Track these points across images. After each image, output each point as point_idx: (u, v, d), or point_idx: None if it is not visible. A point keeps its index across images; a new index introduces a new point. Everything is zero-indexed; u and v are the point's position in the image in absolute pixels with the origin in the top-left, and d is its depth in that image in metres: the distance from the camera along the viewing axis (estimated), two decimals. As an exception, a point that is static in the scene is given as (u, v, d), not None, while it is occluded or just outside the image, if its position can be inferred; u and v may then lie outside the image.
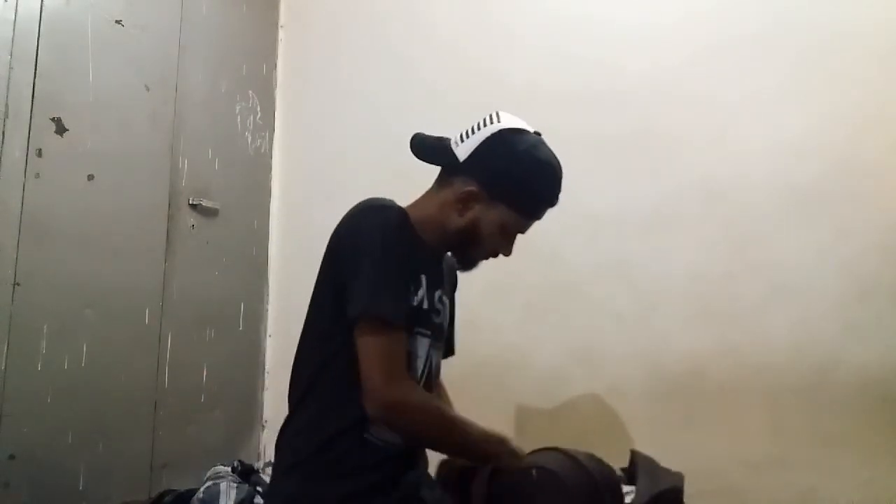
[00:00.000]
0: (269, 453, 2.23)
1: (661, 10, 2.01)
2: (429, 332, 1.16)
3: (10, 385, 1.60)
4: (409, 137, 1.26)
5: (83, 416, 1.76)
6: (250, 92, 2.46)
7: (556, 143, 2.09)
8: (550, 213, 2.06)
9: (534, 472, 1.06)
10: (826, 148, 1.77)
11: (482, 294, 2.13)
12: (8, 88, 1.65)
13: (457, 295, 1.46)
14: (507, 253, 1.22)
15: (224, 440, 2.14)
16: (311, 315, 1.16)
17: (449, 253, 1.30)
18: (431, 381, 1.21)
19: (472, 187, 1.14)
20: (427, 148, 1.20)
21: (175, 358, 2.04)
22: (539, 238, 2.13)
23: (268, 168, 2.53)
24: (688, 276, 1.87)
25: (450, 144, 1.16)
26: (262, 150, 2.51)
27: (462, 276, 2.17)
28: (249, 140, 2.45)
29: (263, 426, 2.39)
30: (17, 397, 1.61)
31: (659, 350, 1.88)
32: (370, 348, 1.02)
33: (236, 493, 1.41)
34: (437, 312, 1.21)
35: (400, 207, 1.14)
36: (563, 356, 2.00)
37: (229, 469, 1.70)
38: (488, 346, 2.05)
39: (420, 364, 1.14)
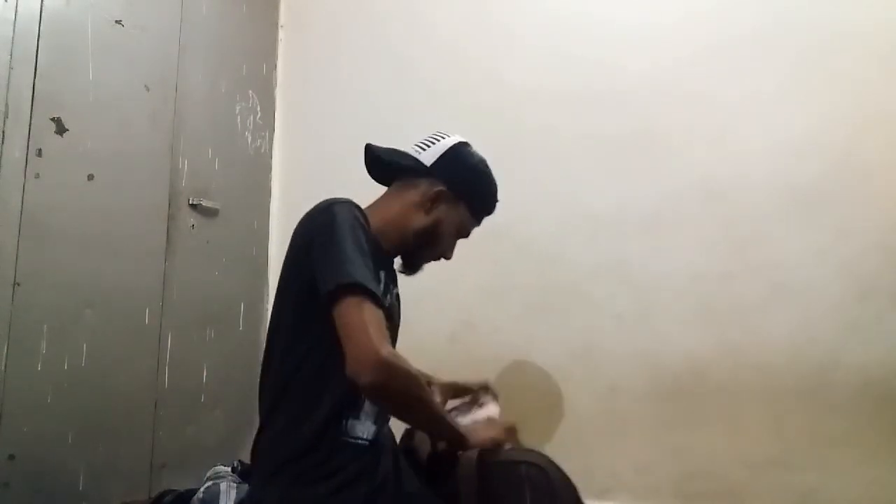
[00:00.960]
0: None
1: (661, 11, 2.01)
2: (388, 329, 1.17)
3: (10, 385, 1.60)
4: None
5: (83, 416, 1.75)
6: (250, 92, 2.46)
7: (556, 144, 2.10)
8: (551, 213, 2.07)
9: (522, 467, 1.08)
10: (826, 148, 1.77)
11: (482, 294, 2.13)
12: (8, 88, 1.64)
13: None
14: (450, 256, 1.35)
15: (224, 440, 2.14)
16: (278, 321, 1.19)
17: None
18: None
19: (441, 187, 1.27)
20: (395, 154, 1.31)
21: (175, 358, 2.04)
22: (539, 238, 2.14)
23: (268, 168, 2.53)
24: (688, 276, 1.87)
25: (410, 153, 1.30)
26: (262, 150, 2.51)
27: (460, 278, 2.18)
28: (249, 140, 2.45)
29: (263, 426, 2.39)
30: (17, 397, 1.61)
31: (659, 350, 1.88)
32: (354, 315, 1.01)
33: (236, 493, 1.40)
34: (391, 312, 1.24)
35: (354, 203, 1.20)
36: (562, 356, 2.00)
37: (229, 469, 1.69)
38: (488, 347, 2.06)
39: None
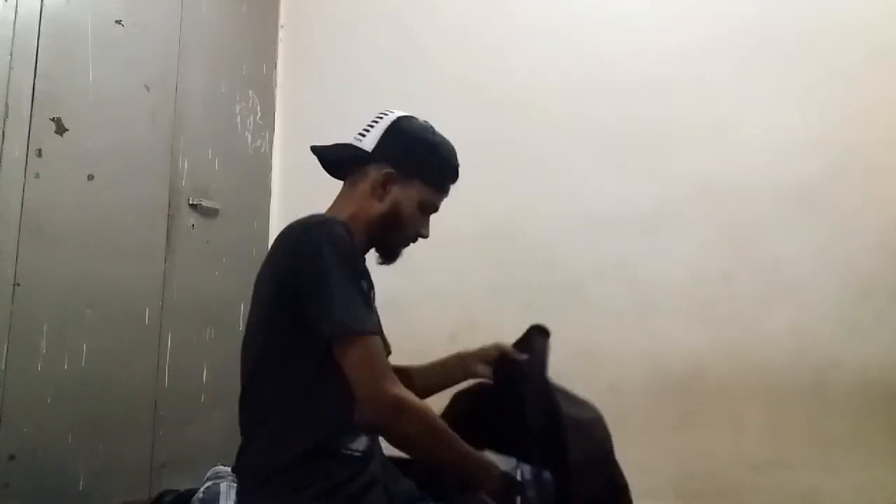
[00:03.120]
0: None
1: (662, 11, 2.01)
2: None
3: (10, 385, 1.60)
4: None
5: (83, 417, 1.75)
6: (250, 92, 2.46)
7: (556, 144, 2.10)
8: (551, 213, 2.07)
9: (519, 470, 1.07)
10: (826, 148, 1.77)
11: (482, 294, 2.13)
12: (8, 88, 1.64)
13: None
14: (426, 233, 1.28)
15: (224, 440, 2.13)
16: (256, 335, 1.17)
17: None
18: None
19: (388, 169, 1.22)
20: (336, 150, 1.27)
21: (175, 358, 2.04)
22: (539, 238, 2.14)
23: (268, 168, 2.53)
24: (688, 276, 1.88)
25: (353, 143, 1.25)
26: (262, 150, 2.51)
27: (461, 277, 2.18)
28: (249, 140, 2.45)
29: (263, 426, 2.38)
30: (17, 397, 1.61)
31: (658, 350, 1.88)
32: (357, 360, 1.02)
33: (236, 494, 1.40)
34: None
35: (337, 218, 1.16)
36: (562, 356, 1.99)
37: (229, 469, 1.69)
38: (488, 346, 2.05)
39: None
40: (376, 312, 1.21)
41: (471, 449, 1.08)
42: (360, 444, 1.12)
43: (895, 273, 1.68)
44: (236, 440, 1.17)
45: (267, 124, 2.53)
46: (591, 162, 2.04)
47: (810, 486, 1.67)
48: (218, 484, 1.43)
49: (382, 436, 1.08)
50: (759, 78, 1.86)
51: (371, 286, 1.20)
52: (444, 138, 1.29)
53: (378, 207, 1.22)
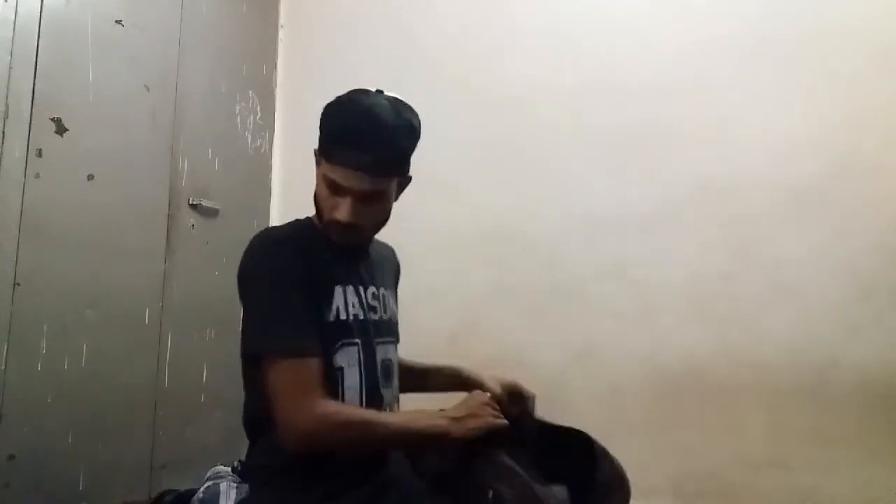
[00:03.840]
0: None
1: (662, 11, 2.01)
2: (357, 341, 1.12)
3: (10, 385, 1.60)
4: None
5: (83, 417, 1.75)
6: (250, 92, 2.46)
7: (556, 144, 2.10)
8: (551, 213, 2.07)
9: (490, 493, 1.04)
10: (826, 148, 1.77)
11: (483, 295, 2.14)
12: (8, 88, 1.64)
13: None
14: (340, 217, 1.08)
15: (224, 440, 2.13)
16: (244, 345, 1.14)
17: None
18: (388, 378, 1.18)
19: (315, 151, 1.12)
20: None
21: (175, 358, 2.04)
22: (539, 238, 2.14)
23: (268, 168, 2.53)
24: (687, 276, 1.88)
25: None
26: (262, 150, 2.51)
27: (462, 278, 2.17)
28: (249, 140, 2.45)
29: (263, 426, 2.38)
30: (17, 397, 1.61)
31: (658, 350, 1.88)
32: (272, 384, 1.01)
33: (236, 493, 1.40)
34: (373, 310, 1.18)
35: (290, 227, 1.14)
36: (563, 356, 2.00)
37: (229, 469, 1.69)
38: (489, 347, 2.06)
39: (354, 374, 1.11)
40: (377, 306, 1.18)
41: (403, 415, 1.09)
42: None
43: (895, 273, 1.68)
44: (236, 440, 1.17)
45: (267, 124, 2.53)
46: (591, 162, 2.04)
47: (810, 486, 1.67)
48: (218, 484, 1.43)
49: (305, 457, 1.04)
50: (759, 78, 1.86)
51: (361, 281, 1.16)
52: (350, 98, 1.09)
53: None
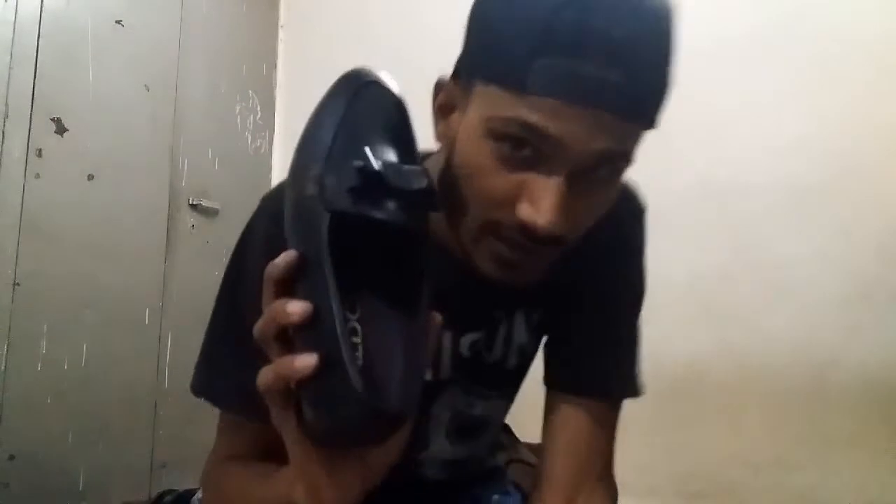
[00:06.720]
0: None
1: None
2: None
3: (10, 385, 1.60)
4: None
5: (83, 416, 1.76)
6: (250, 92, 2.46)
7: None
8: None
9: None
10: (826, 148, 1.77)
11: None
12: (8, 88, 1.64)
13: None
14: (548, 216, 0.63)
15: (224, 440, 2.14)
16: None
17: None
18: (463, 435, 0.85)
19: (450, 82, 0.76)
20: None
21: (175, 358, 2.04)
22: (539, 238, 2.14)
23: (268, 168, 2.53)
24: (688, 277, 1.87)
25: None
26: (262, 150, 2.51)
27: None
28: (249, 140, 2.45)
29: (263, 426, 2.38)
30: (17, 397, 1.61)
31: (659, 350, 1.88)
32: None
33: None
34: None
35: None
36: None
37: (229, 469, 1.70)
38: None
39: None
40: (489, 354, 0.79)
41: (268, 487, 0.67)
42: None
43: (895, 273, 1.68)
44: (236, 440, 1.17)
45: (267, 124, 2.53)
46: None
47: (810, 486, 1.67)
48: (218, 484, 1.43)
49: None
50: (759, 78, 1.86)
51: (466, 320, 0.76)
52: None
53: None
